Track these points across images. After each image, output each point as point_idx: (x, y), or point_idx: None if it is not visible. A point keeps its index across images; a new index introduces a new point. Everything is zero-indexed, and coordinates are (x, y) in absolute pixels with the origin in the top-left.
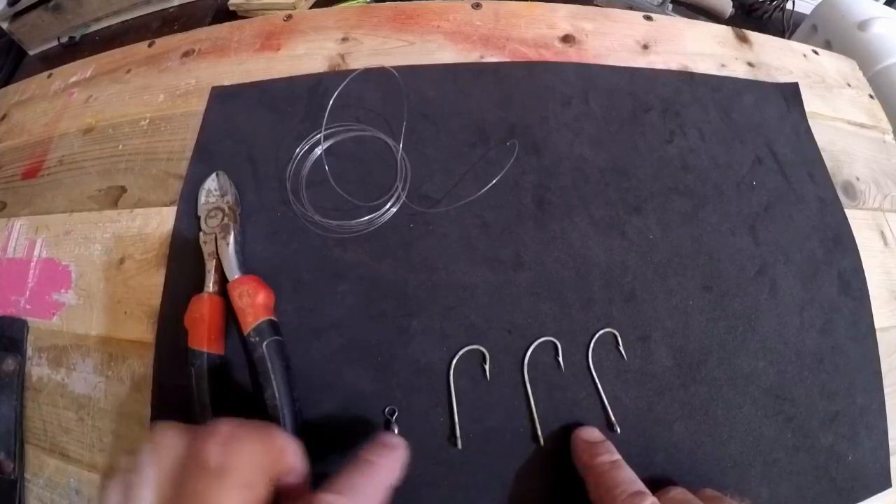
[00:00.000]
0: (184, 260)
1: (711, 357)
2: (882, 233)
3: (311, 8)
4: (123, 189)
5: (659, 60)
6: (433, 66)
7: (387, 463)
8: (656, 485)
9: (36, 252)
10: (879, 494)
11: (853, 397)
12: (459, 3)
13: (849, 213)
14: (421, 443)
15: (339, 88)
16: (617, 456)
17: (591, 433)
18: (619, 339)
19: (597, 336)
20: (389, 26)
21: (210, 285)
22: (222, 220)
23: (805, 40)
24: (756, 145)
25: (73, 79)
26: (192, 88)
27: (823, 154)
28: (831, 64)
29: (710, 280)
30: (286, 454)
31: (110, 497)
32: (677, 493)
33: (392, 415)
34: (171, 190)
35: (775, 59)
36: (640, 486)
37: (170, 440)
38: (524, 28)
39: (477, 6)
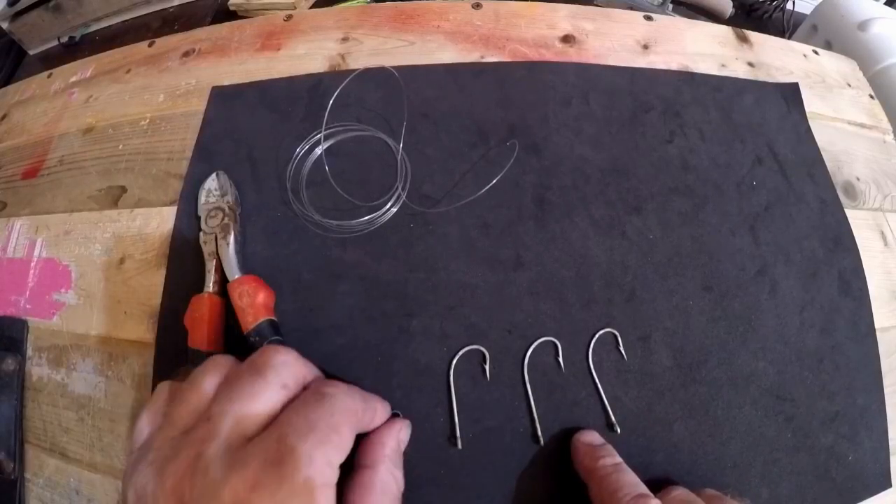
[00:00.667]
0: (184, 260)
1: (711, 357)
2: (882, 233)
3: (311, 8)
4: (123, 189)
5: (659, 60)
6: (433, 66)
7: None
8: (656, 485)
9: (36, 252)
10: (879, 494)
11: (853, 397)
12: (460, 3)
13: (849, 213)
14: (421, 443)
15: (340, 88)
16: (619, 459)
17: (592, 436)
18: (619, 339)
19: (597, 336)
20: (389, 26)
21: (210, 285)
22: (222, 220)
23: (805, 40)
24: (756, 145)
25: (73, 79)
26: (193, 88)
27: (823, 154)
28: (831, 64)
29: (710, 280)
30: (312, 370)
31: (163, 386)
32: (679, 493)
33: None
34: (171, 190)
35: (775, 59)
36: (644, 488)
37: (224, 359)
38: (524, 28)
39: (477, 6)
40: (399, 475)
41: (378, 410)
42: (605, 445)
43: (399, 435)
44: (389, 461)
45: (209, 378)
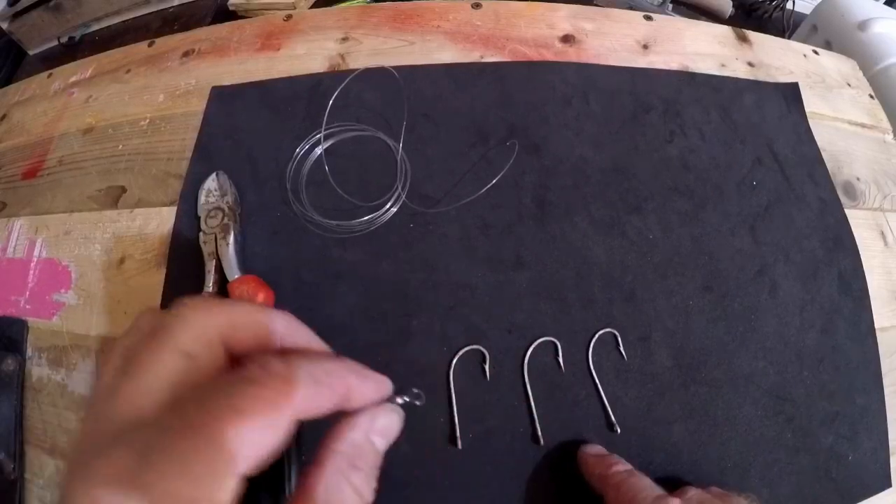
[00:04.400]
0: (184, 260)
1: (711, 357)
2: (882, 233)
3: (311, 8)
4: (123, 189)
5: (659, 60)
6: (433, 66)
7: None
8: (661, 485)
9: (36, 252)
10: (879, 494)
11: (853, 397)
12: (459, 3)
13: (849, 213)
14: (421, 443)
15: (339, 88)
16: (629, 465)
17: (598, 448)
18: (619, 339)
19: (597, 336)
20: (389, 26)
21: (210, 285)
22: (222, 220)
23: (805, 40)
24: (756, 145)
25: (73, 79)
26: (192, 88)
27: (823, 154)
28: (831, 64)
29: (710, 280)
30: (254, 324)
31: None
32: (695, 493)
33: None
34: (171, 190)
35: (775, 59)
36: (661, 490)
37: (141, 319)
38: (524, 28)
39: (477, 6)
40: (361, 481)
41: (352, 387)
42: (612, 454)
43: (372, 424)
44: (343, 460)
45: (118, 344)
